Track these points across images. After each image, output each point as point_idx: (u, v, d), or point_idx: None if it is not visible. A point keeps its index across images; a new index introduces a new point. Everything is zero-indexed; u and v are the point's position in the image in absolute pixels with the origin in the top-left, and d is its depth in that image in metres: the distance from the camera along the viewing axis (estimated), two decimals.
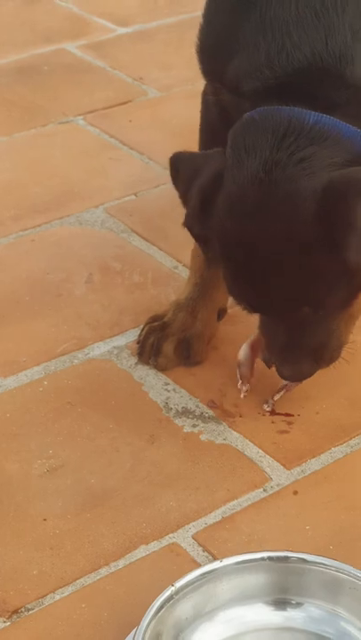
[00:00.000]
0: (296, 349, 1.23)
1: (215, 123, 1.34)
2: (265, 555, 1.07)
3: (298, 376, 1.27)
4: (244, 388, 1.36)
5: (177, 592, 1.04)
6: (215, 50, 1.28)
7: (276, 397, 1.34)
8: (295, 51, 1.18)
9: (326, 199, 1.12)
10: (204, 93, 1.40)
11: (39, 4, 2.52)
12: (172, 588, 1.04)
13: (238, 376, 1.37)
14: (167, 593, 1.03)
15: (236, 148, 1.18)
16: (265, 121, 1.16)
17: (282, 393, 1.34)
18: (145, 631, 0.99)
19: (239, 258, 1.18)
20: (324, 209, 1.12)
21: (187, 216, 1.23)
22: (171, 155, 1.27)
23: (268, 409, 1.34)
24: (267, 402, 1.35)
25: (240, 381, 1.37)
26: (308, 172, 1.14)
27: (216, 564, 1.07)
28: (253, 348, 1.36)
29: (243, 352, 1.37)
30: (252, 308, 1.23)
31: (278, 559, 1.06)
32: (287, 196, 1.14)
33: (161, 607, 1.02)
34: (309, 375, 1.26)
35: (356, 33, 1.18)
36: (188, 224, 1.23)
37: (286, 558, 1.06)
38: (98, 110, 2.05)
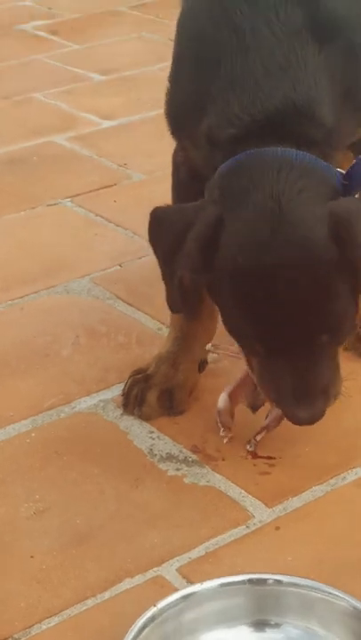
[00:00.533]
0: (309, 389, 1.23)
1: (185, 180, 1.41)
2: (244, 577, 1.10)
3: (314, 417, 1.25)
4: (228, 435, 1.39)
5: (160, 613, 1.06)
6: (184, 108, 1.35)
7: (258, 438, 1.38)
8: (267, 99, 1.25)
9: (335, 224, 1.18)
10: (174, 155, 1.47)
11: (29, 104, 2.62)
12: (154, 609, 1.06)
13: (219, 424, 1.40)
14: (149, 613, 1.06)
15: (230, 189, 1.22)
16: (255, 161, 1.22)
17: (263, 433, 1.38)
18: None
19: (257, 290, 1.19)
20: (335, 232, 1.18)
21: (184, 265, 1.22)
22: None
23: (250, 449, 1.37)
24: (249, 442, 1.38)
25: (221, 429, 1.40)
26: (311, 200, 1.20)
27: (197, 587, 1.09)
28: (232, 397, 1.40)
29: (222, 401, 1.40)
30: (266, 344, 1.22)
31: (257, 581, 1.09)
32: (300, 222, 1.19)
33: (144, 627, 1.05)
34: (322, 416, 1.25)
35: (320, 82, 1.26)
36: (186, 269, 1.23)
37: (264, 580, 1.09)
38: (85, 193, 2.12)
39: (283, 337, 1.20)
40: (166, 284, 1.27)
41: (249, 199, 1.20)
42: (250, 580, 1.09)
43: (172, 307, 1.29)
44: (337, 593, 1.06)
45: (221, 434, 1.40)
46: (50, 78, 2.80)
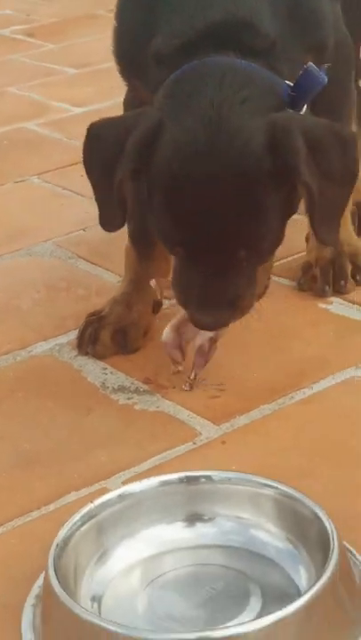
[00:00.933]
0: (215, 297, 1.24)
1: None
2: (178, 476, 1.11)
3: (215, 324, 1.28)
4: (177, 367, 1.41)
5: (98, 510, 1.07)
6: (132, 41, 1.37)
7: (191, 376, 1.39)
8: (209, 12, 1.27)
9: (274, 134, 1.19)
10: (125, 99, 1.50)
11: (3, 96, 2.67)
12: (91, 505, 1.08)
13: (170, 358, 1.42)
14: (86, 509, 1.07)
15: (173, 96, 1.24)
16: (199, 69, 1.24)
17: (194, 372, 1.39)
18: (62, 539, 1.03)
19: (186, 196, 1.19)
20: (273, 142, 1.19)
21: (123, 165, 1.22)
22: None
23: (186, 389, 1.39)
24: (185, 384, 1.39)
25: (171, 362, 1.41)
26: (253, 110, 1.22)
27: (134, 486, 1.11)
28: (178, 330, 1.40)
29: (166, 334, 1.39)
30: (186, 247, 1.23)
31: (189, 479, 1.11)
32: (239, 131, 1.20)
33: (82, 523, 1.06)
34: (225, 324, 1.28)
35: (258, 2, 1.29)
36: (126, 170, 1.22)
37: (197, 478, 1.10)
38: (52, 170, 2.16)
39: (203, 244, 1.21)
40: (103, 202, 1.27)
41: (190, 106, 1.21)
42: (183, 478, 1.10)
43: (111, 223, 1.28)
44: (264, 481, 1.07)
45: (172, 367, 1.41)
46: (25, 74, 2.85)
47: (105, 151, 1.26)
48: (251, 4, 1.29)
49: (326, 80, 1.31)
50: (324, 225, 1.24)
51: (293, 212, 1.27)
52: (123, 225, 1.29)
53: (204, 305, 1.25)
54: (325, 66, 1.33)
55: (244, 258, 1.23)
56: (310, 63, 1.30)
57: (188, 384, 1.39)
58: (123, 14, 1.41)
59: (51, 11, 3.48)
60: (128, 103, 1.48)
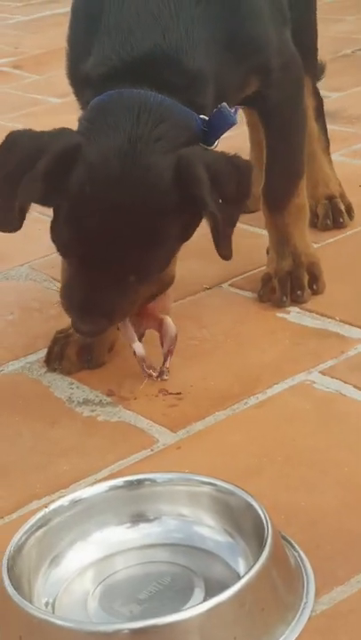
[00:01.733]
0: (96, 309, 1.36)
1: None
2: (127, 479, 1.18)
3: (92, 333, 1.40)
4: (155, 374, 1.48)
5: (52, 515, 1.13)
6: (76, 64, 1.46)
7: (167, 364, 1.47)
8: (138, 43, 1.37)
9: (180, 168, 1.31)
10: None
11: None
12: (45, 510, 1.14)
13: (145, 370, 1.47)
14: (39, 514, 1.13)
15: (93, 123, 1.34)
16: (116, 100, 1.34)
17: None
18: (16, 543, 1.09)
19: (93, 216, 1.30)
20: (179, 175, 1.31)
21: (27, 192, 1.31)
22: None
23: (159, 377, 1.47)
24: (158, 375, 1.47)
25: (151, 372, 1.47)
26: (165, 148, 1.32)
27: (85, 492, 1.17)
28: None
29: (139, 347, 1.46)
30: (80, 259, 1.34)
31: (136, 482, 1.17)
32: (150, 167, 1.31)
33: (37, 527, 1.12)
34: (101, 333, 1.42)
35: (191, 33, 1.37)
36: (28, 197, 1.32)
37: (141, 481, 1.17)
38: None
39: (96, 263, 1.32)
40: (2, 206, 1.34)
41: (108, 136, 1.31)
42: (129, 482, 1.17)
43: (8, 226, 1.37)
44: (202, 479, 1.14)
45: (154, 375, 1.47)
46: (11, 105, 2.93)
47: (15, 160, 1.33)
48: (180, 38, 1.38)
49: (236, 121, 1.42)
50: (223, 242, 1.36)
51: (188, 239, 1.40)
52: (19, 229, 1.38)
53: (83, 314, 1.37)
54: (236, 108, 1.44)
55: (132, 282, 1.34)
56: (224, 104, 1.40)
57: (163, 373, 1.47)
58: (71, 37, 1.51)
59: (37, 42, 3.57)
60: None
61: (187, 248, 1.83)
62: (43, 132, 1.37)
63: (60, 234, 1.36)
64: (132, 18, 1.39)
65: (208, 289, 1.74)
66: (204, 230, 1.91)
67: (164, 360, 1.47)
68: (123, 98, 1.33)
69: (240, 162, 1.39)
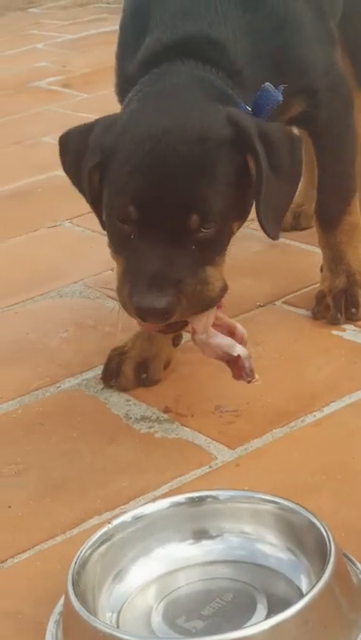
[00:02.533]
0: (163, 280, 1.24)
1: None
2: (189, 496, 1.19)
3: (157, 309, 1.24)
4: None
5: (115, 530, 1.15)
6: (126, 56, 1.48)
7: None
8: (183, 27, 1.40)
9: (231, 115, 1.30)
10: None
11: (38, 146, 2.79)
12: (109, 526, 1.15)
13: (248, 370, 1.35)
14: (103, 529, 1.15)
15: (132, 99, 1.37)
16: (159, 73, 1.36)
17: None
18: (81, 558, 1.11)
19: (144, 152, 1.26)
20: (231, 120, 1.29)
21: (90, 154, 1.31)
22: None
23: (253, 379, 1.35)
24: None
25: (254, 375, 1.35)
26: (213, 98, 1.34)
27: (149, 507, 1.18)
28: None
29: (242, 349, 1.36)
30: (138, 205, 1.25)
31: (198, 499, 1.18)
32: (199, 104, 1.31)
33: (101, 542, 1.14)
34: (170, 311, 1.25)
35: (237, 36, 1.40)
36: (91, 157, 1.31)
37: (203, 498, 1.18)
38: (83, 215, 2.25)
39: (156, 202, 1.25)
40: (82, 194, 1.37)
41: (148, 98, 1.33)
42: (191, 499, 1.17)
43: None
44: (265, 497, 1.14)
45: (256, 377, 1.35)
46: (60, 124, 2.93)
47: (72, 152, 1.38)
48: (227, 33, 1.39)
49: (281, 98, 1.39)
50: (269, 215, 1.32)
51: (244, 215, 1.35)
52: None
53: (144, 285, 1.25)
54: (282, 86, 1.40)
55: (195, 226, 1.26)
56: (267, 83, 1.38)
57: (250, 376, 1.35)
58: (119, 54, 1.54)
59: (84, 62, 3.61)
60: None
61: (240, 266, 1.85)
62: (85, 124, 1.40)
63: (113, 191, 1.29)
64: (178, 12, 1.41)
65: (262, 306, 1.75)
66: (256, 248, 1.94)
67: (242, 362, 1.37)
68: (170, 71, 1.35)
69: (295, 135, 1.39)
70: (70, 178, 1.41)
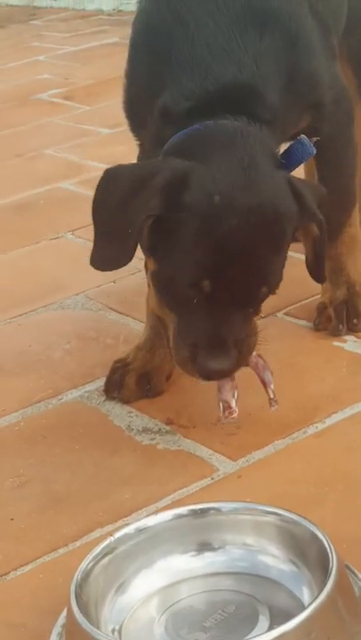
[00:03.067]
0: (224, 340, 1.29)
1: None
2: (191, 508, 1.19)
3: (224, 371, 1.30)
4: (233, 414, 1.38)
5: (117, 543, 1.15)
6: (140, 98, 1.48)
7: (271, 395, 1.39)
8: (219, 77, 1.39)
9: (292, 182, 1.34)
10: (137, 158, 1.60)
11: (41, 158, 2.79)
12: (111, 538, 1.15)
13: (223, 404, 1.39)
14: (106, 542, 1.15)
15: (190, 150, 1.33)
16: (214, 129, 1.35)
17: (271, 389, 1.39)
18: (83, 570, 1.11)
19: (226, 229, 1.26)
20: (293, 189, 1.33)
21: (146, 206, 1.27)
22: None
23: (275, 407, 1.39)
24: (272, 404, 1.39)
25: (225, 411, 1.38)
26: (270, 164, 1.35)
27: (151, 519, 1.18)
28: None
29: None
30: (214, 277, 1.26)
31: (201, 511, 1.18)
32: (269, 176, 1.33)
33: (104, 555, 1.14)
34: (233, 371, 1.32)
35: (261, 66, 1.40)
36: (149, 210, 1.27)
37: (205, 510, 1.18)
38: (85, 227, 2.26)
39: (232, 275, 1.27)
40: (108, 241, 1.31)
41: (215, 154, 1.31)
42: (193, 511, 1.18)
43: (114, 262, 1.33)
44: (267, 509, 1.15)
45: (223, 415, 1.38)
46: (61, 136, 2.97)
47: (121, 191, 1.31)
48: (254, 72, 1.39)
49: (315, 152, 1.42)
50: (322, 262, 1.41)
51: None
52: (128, 263, 1.31)
53: (213, 351, 1.29)
54: (314, 139, 1.44)
55: (264, 297, 1.32)
56: (303, 135, 1.41)
57: (274, 403, 1.39)
58: (132, 72, 1.52)
59: (86, 74, 3.62)
60: (139, 160, 1.58)
61: None
62: (146, 162, 1.40)
63: (186, 262, 1.28)
64: (204, 52, 1.40)
65: (263, 317, 1.75)
66: None
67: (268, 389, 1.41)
68: (221, 127, 1.35)
69: (322, 189, 1.44)
70: (103, 210, 1.33)
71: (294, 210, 1.33)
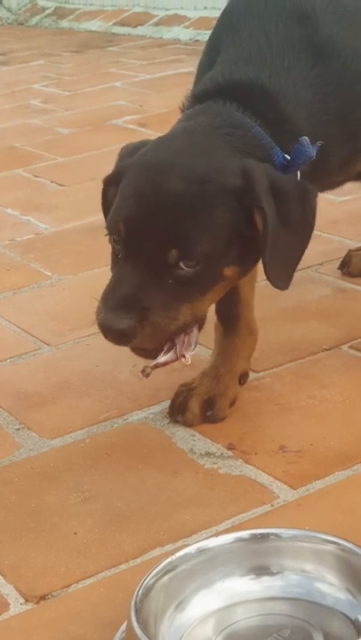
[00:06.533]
0: (125, 298, 1.31)
1: None
2: (252, 532, 1.21)
3: (112, 328, 1.31)
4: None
5: (178, 562, 1.18)
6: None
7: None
8: (239, 71, 1.44)
9: (245, 168, 1.34)
10: None
11: None
12: (172, 557, 1.18)
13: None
14: (167, 560, 1.18)
15: (180, 120, 1.44)
16: (202, 111, 1.41)
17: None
18: (145, 586, 1.14)
19: (145, 181, 1.33)
20: (243, 173, 1.33)
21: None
22: None
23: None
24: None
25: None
26: (232, 152, 1.37)
27: (212, 541, 1.21)
28: None
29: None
30: (126, 225, 1.32)
31: (261, 536, 1.21)
32: (212, 148, 1.35)
33: (164, 572, 1.17)
34: (129, 334, 1.31)
35: (299, 89, 1.43)
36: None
37: (266, 535, 1.20)
38: None
39: (142, 230, 1.31)
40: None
41: (180, 125, 1.40)
42: (254, 535, 1.20)
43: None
44: (327, 538, 1.17)
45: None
46: None
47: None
48: (286, 86, 1.42)
49: (314, 155, 1.40)
50: (276, 268, 1.35)
51: (243, 262, 1.37)
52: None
53: (110, 305, 1.31)
54: (319, 143, 1.41)
55: (173, 261, 1.30)
56: (304, 137, 1.40)
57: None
58: (197, 69, 1.59)
59: (161, 101, 3.67)
60: None
61: (307, 309, 1.88)
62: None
63: (113, 209, 1.36)
64: (243, 56, 1.45)
65: (328, 350, 1.78)
66: (324, 292, 1.96)
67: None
68: (208, 110, 1.40)
69: (308, 187, 1.40)
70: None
71: (230, 183, 1.32)
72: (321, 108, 1.44)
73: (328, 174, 1.48)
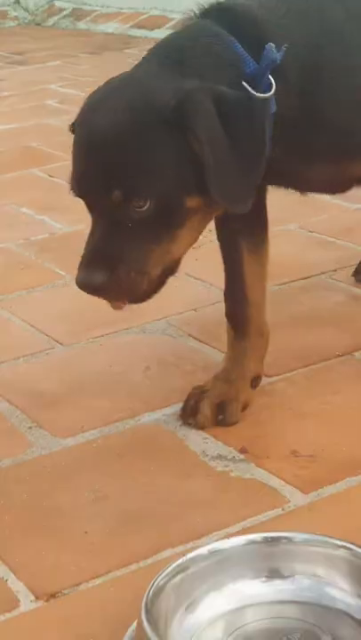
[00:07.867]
0: (95, 253, 1.29)
1: None
2: (264, 535, 1.22)
3: (87, 285, 1.31)
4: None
5: (189, 563, 1.18)
6: None
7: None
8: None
9: (181, 95, 1.28)
10: None
11: None
12: (184, 558, 1.19)
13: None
14: (179, 561, 1.18)
15: None
16: (189, 26, 1.44)
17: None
18: (156, 586, 1.14)
19: (85, 129, 1.31)
20: (179, 102, 1.27)
21: None
22: None
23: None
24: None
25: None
26: (184, 73, 1.33)
27: (224, 543, 1.21)
28: None
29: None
30: (75, 183, 1.30)
31: (273, 539, 1.21)
32: (157, 84, 1.31)
33: (176, 573, 1.17)
34: (102, 288, 1.31)
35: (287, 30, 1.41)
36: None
37: (278, 538, 1.21)
38: None
39: (85, 180, 1.29)
40: None
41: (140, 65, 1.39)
42: (266, 538, 1.21)
43: None
44: (339, 543, 1.17)
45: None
46: None
47: None
48: (272, 18, 1.41)
49: (278, 58, 1.35)
50: (226, 188, 1.28)
51: (199, 191, 1.30)
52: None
53: (84, 261, 1.31)
54: (285, 47, 1.37)
55: (120, 202, 1.26)
56: (270, 43, 1.35)
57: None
58: None
59: None
60: None
61: (320, 316, 1.89)
62: None
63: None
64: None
65: (341, 356, 1.78)
66: (337, 298, 1.97)
67: None
68: (190, 25, 1.42)
69: (256, 103, 1.33)
70: None
71: (165, 109, 1.26)
72: (300, 37, 1.40)
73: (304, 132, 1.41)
